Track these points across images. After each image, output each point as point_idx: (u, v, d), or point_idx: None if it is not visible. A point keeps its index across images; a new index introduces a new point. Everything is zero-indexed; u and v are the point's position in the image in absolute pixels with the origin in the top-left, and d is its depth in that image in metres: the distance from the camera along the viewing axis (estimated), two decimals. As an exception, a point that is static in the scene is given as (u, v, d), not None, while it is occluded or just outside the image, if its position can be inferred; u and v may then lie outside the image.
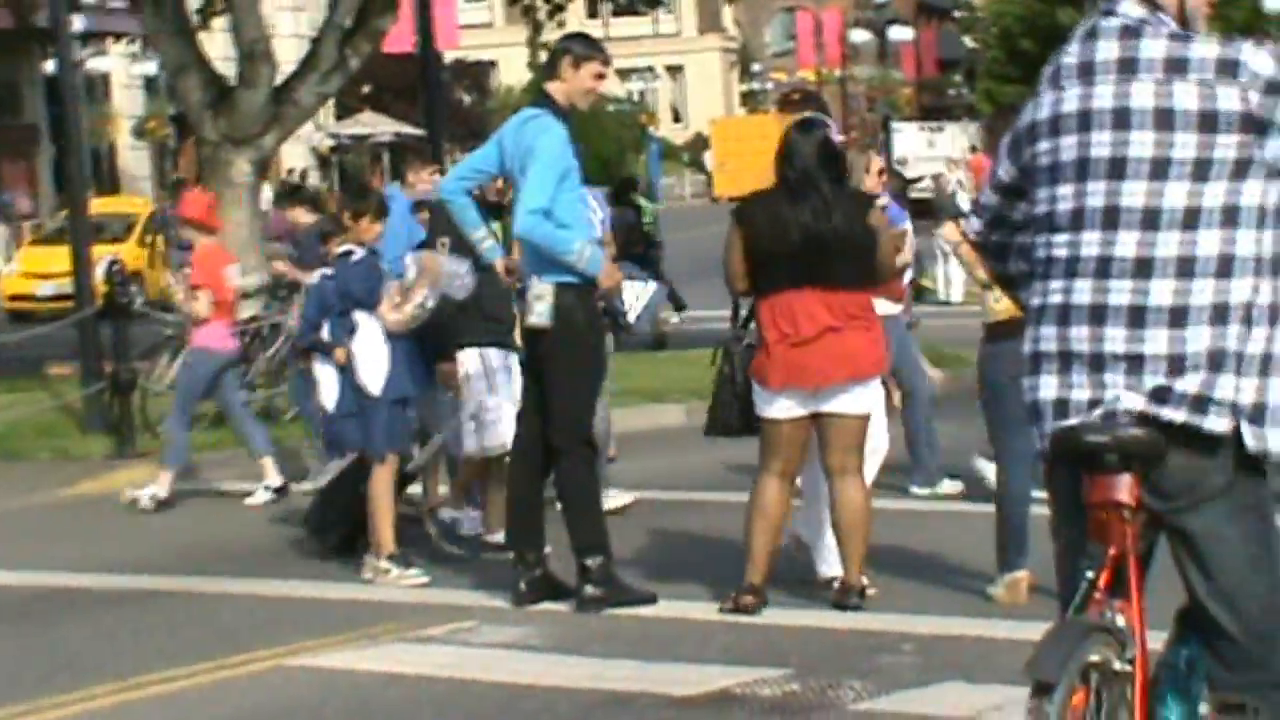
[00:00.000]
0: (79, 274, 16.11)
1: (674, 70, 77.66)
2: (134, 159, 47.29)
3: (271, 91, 17.79)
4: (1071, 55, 4.30)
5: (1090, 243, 4.20)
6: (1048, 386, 4.27)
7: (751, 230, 8.71)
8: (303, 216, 14.22)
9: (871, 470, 9.06)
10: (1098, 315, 4.19)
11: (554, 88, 9.22)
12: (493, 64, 63.40)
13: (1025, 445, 8.73)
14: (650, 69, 75.01)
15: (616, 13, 70.35)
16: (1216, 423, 4.15)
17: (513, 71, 62.95)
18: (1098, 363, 4.19)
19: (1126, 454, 4.10)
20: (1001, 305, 8.48)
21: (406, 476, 10.80)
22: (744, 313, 9.17)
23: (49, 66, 40.43)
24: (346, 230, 10.34)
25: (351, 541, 10.49)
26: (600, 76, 9.28)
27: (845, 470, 8.66)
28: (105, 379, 15.20)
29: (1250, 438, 4.18)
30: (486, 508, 10.86)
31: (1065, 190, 4.25)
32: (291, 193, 14.79)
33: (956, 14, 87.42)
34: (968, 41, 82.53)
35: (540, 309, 9.06)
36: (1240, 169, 4.16)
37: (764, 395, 8.72)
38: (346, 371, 10.18)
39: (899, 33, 60.80)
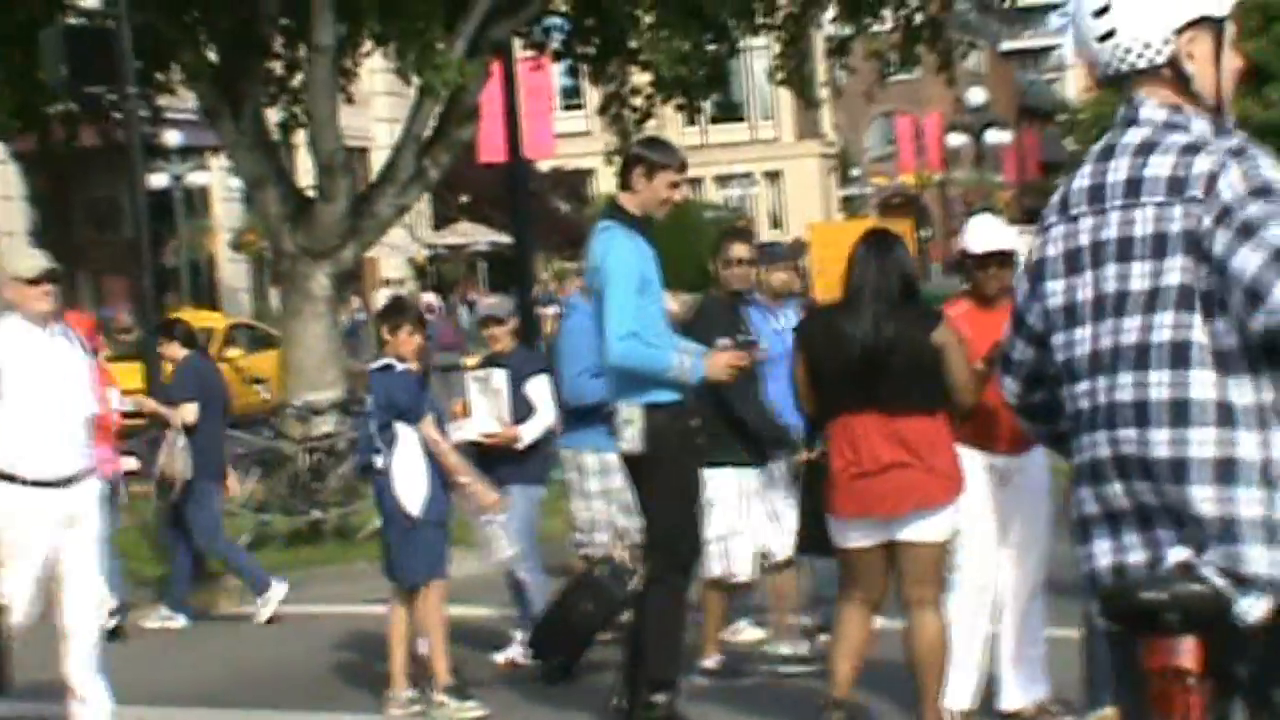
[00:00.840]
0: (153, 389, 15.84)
1: (772, 176, 77.45)
2: (233, 272, 47.42)
3: (350, 204, 17.58)
4: (1084, 178, 3.82)
5: (1100, 389, 3.74)
6: (1102, 554, 3.75)
7: (810, 346, 8.27)
8: (175, 352, 13.79)
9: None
10: (1122, 468, 3.70)
11: (626, 198, 8.72)
12: (590, 172, 63.42)
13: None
14: (748, 175, 74.85)
15: (714, 120, 70.45)
16: (1253, 608, 3.62)
17: (610, 179, 62.96)
18: (1144, 517, 3.69)
19: (1187, 613, 3.59)
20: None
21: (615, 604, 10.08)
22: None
23: (150, 182, 40.73)
24: (385, 344, 9.99)
25: (569, 667, 10.13)
26: (675, 185, 8.70)
27: (921, 602, 8.15)
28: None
29: None
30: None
31: (1083, 333, 3.79)
32: (163, 330, 14.39)
33: (1058, 117, 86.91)
34: (1069, 144, 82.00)
35: (629, 434, 8.59)
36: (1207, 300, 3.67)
37: (835, 523, 8.25)
38: (384, 493, 9.79)
39: (996, 136, 60.22)
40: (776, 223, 76.45)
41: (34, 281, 8.66)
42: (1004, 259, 8.55)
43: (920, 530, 8.12)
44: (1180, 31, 3.78)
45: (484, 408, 10.58)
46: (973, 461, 8.49)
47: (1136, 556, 3.70)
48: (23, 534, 8.57)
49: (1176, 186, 3.71)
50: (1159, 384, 3.65)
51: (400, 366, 9.78)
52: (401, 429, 9.67)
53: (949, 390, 8.12)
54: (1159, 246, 3.69)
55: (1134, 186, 3.74)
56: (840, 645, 8.23)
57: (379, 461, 9.70)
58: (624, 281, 8.51)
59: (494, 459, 10.54)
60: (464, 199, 56.13)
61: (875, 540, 8.16)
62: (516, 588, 10.78)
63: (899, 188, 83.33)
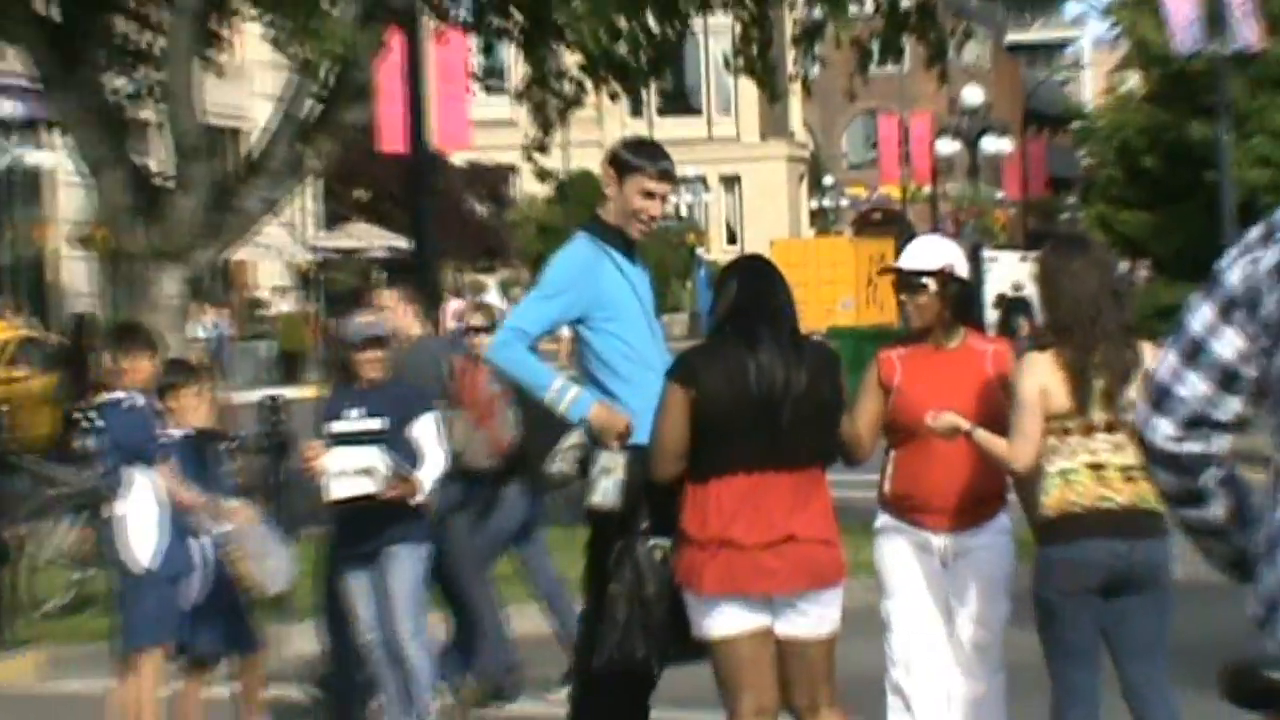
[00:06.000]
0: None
1: (730, 181, 77.57)
2: (74, 271, 46.83)
3: (210, 196, 17.34)
4: None
5: None
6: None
7: (705, 389, 7.74)
8: None
9: None
10: None
11: (603, 207, 8.55)
12: (513, 168, 63.36)
13: (1087, 680, 8.05)
14: (702, 179, 74.86)
15: (662, 111, 70.39)
16: None
17: (533, 177, 62.84)
18: None
19: None
20: (1052, 496, 7.78)
21: None
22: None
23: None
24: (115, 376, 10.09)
25: None
26: (649, 195, 8.40)
27: (817, 706, 7.89)
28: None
29: None
30: None
31: None
32: None
33: (1071, 125, 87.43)
34: (1083, 157, 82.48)
35: (606, 486, 8.18)
36: None
37: (701, 607, 7.77)
38: (110, 544, 9.97)
39: (994, 144, 60.22)
40: (732, 237, 76.57)
41: None
42: (915, 285, 8.32)
43: (811, 624, 7.82)
44: None
45: (368, 457, 10.19)
46: (904, 538, 8.32)
47: None
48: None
49: None
50: None
51: (129, 402, 9.93)
52: (135, 473, 9.88)
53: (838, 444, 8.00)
54: None
55: None
56: None
57: (107, 509, 9.99)
58: (543, 286, 8.46)
59: (371, 517, 10.21)
60: (360, 195, 55.96)
61: (760, 621, 7.79)
62: (395, 665, 10.43)
63: (880, 201, 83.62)
